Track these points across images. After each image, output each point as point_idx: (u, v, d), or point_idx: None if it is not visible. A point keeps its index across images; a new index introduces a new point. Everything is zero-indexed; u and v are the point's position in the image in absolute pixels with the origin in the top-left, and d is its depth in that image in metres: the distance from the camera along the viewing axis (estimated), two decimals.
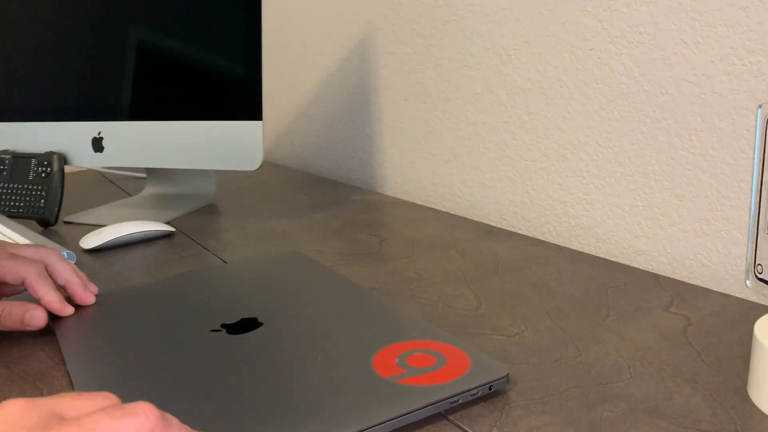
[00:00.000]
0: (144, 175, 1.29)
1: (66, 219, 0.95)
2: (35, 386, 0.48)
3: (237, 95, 0.90)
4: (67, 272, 0.59)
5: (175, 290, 0.62)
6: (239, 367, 0.46)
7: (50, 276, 0.58)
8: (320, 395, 0.42)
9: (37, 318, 0.54)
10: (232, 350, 0.49)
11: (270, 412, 0.40)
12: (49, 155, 0.93)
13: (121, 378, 0.46)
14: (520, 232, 0.90)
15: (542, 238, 0.86)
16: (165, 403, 0.42)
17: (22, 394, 0.47)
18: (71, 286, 0.59)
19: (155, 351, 0.50)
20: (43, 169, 0.92)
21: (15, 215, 0.91)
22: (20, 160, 0.94)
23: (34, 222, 0.92)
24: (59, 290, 0.58)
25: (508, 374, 0.44)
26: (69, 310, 0.57)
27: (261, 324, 0.53)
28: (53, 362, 0.52)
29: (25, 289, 0.58)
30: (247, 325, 0.53)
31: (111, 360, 0.49)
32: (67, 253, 0.73)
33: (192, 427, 0.38)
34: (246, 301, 0.59)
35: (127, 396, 0.43)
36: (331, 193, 1.10)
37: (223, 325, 0.53)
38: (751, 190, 0.45)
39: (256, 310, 0.56)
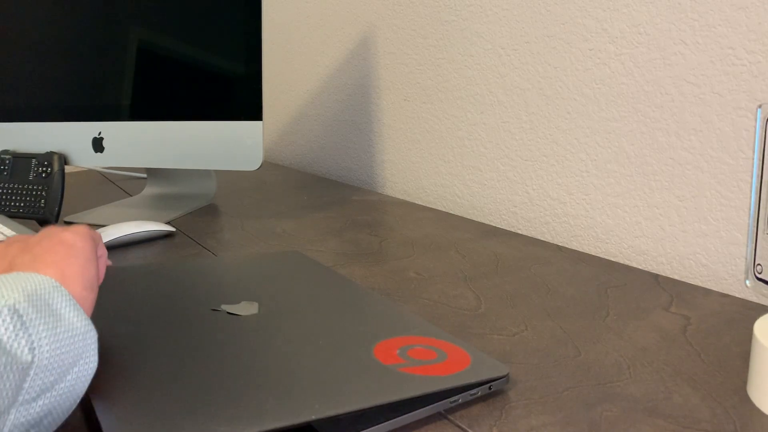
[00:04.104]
0: (144, 175, 1.29)
1: (66, 219, 0.95)
2: None
3: (237, 95, 0.90)
4: None
5: (171, 280, 0.62)
6: (238, 349, 0.46)
7: None
8: (320, 377, 0.42)
9: None
10: (232, 329, 0.49)
11: (267, 391, 0.40)
12: (50, 155, 0.93)
13: (120, 356, 0.46)
14: (520, 232, 0.90)
15: (542, 238, 0.86)
16: (165, 382, 0.41)
17: None
18: None
19: (155, 331, 0.49)
20: (44, 169, 0.92)
21: (15, 215, 0.91)
22: (20, 160, 0.94)
23: (34, 222, 0.92)
24: None
25: (508, 374, 0.44)
26: None
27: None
28: None
29: None
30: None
31: (109, 339, 0.49)
32: None
33: (193, 407, 0.39)
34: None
35: (127, 373, 0.43)
36: (331, 193, 1.10)
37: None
38: (751, 190, 0.45)
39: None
